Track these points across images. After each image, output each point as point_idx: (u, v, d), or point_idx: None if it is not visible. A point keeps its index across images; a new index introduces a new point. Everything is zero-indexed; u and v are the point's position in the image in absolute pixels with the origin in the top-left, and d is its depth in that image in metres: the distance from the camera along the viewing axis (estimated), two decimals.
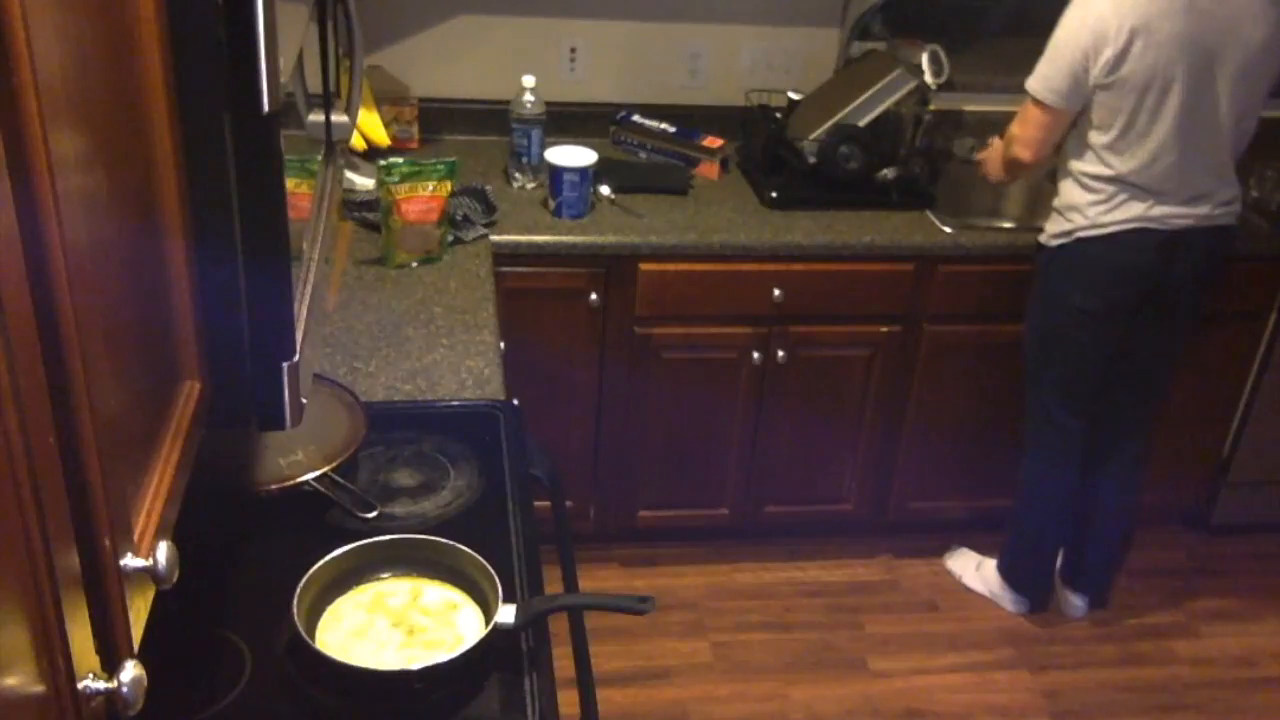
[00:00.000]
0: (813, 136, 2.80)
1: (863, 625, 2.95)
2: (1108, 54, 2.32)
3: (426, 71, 2.99)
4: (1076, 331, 2.61)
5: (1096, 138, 2.45)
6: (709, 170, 2.96)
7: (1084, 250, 2.52)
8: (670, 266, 2.67)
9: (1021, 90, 3.21)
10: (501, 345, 2.19)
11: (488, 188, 2.71)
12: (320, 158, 1.43)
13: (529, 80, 2.76)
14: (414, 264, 2.43)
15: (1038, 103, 2.44)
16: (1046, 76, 2.41)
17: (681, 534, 3.11)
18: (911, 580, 3.11)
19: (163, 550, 0.83)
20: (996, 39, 3.40)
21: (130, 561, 0.79)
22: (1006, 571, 2.99)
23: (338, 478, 1.68)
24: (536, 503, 1.81)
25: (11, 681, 0.62)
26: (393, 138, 2.86)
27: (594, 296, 2.67)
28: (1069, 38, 2.35)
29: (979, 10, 3.40)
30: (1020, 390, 2.98)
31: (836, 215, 2.78)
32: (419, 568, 1.54)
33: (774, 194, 2.80)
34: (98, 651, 0.74)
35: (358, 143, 2.76)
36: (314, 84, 1.39)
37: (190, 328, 0.98)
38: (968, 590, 3.07)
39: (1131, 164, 2.44)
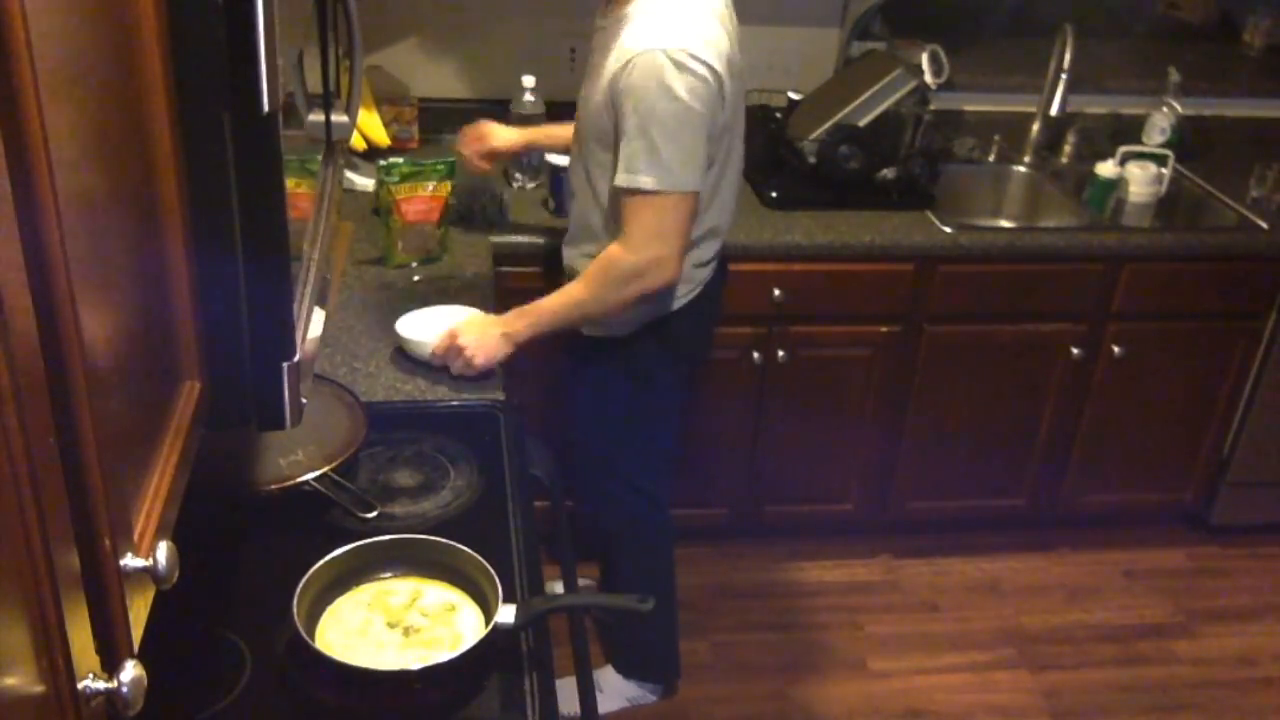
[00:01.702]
0: (813, 136, 2.80)
1: (863, 625, 2.95)
2: (723, 105, 1.96)
3: (426, 71, 2.99)
4: (671, 398, 2.34)
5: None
6: None
7: (679, 319, 2.21)
8: None
9: (1023, 90, 3.23)
10: None
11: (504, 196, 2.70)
12: (320, 158, 1.43)
13: (529, 80, 2.76)
14: (414, 264, 2.43)
15: (678, 195, 1.94)
16: (677, 163, 1.90)
17: (681, 534, 3.10)
18: (911, 580, 3.11)
19: (163, 550, 0.83)
20: (996, 39, 3.41)
21: (130, 561, 0.79)
22: (642, 666, 2.65)
23: (338, 478, 1.68)
24: (536, 503, 1.81)
25: (11, 681, 0.62)
26: (393, 138, 2.86)
27: None
28: (685, 112, 1.88)
29: (979, 10, 3.41)
30: (1021, 390, 2.98)
31: (836, 215, 2.78)
32: (419, 568, 1.54)
33: (774, 194, 2.80)
34: (98, 651, 0.74)
35: (358, 143, 2.76)
36: (314, 84, 1.39)
37: (190, 328, 0.98)
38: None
39: (723, 215, 2.18)
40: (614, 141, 1.96)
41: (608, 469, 2.40)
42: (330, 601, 1.49)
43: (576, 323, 2.15)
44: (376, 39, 2.93)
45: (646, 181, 1.92)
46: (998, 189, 3.22)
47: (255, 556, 1.63)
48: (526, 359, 2.21)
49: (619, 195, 1.98)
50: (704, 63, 1.88)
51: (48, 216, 0.65)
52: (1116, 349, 2.92)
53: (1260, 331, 3.00)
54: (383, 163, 2.42)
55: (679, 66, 1.86)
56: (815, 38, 3.11)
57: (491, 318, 2.11)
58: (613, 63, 1.93)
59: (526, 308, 2.11)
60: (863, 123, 2.79)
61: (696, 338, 2.36)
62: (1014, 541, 3.24)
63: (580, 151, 2.11)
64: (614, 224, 2.04)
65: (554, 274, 2.39)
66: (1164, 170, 3.08)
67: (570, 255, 2.26)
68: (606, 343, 2.23)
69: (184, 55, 0.90)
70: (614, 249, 2.01)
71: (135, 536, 0.82)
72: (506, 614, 1.44)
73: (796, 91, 3.00)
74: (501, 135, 2.48)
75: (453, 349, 2.02)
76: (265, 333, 1.04)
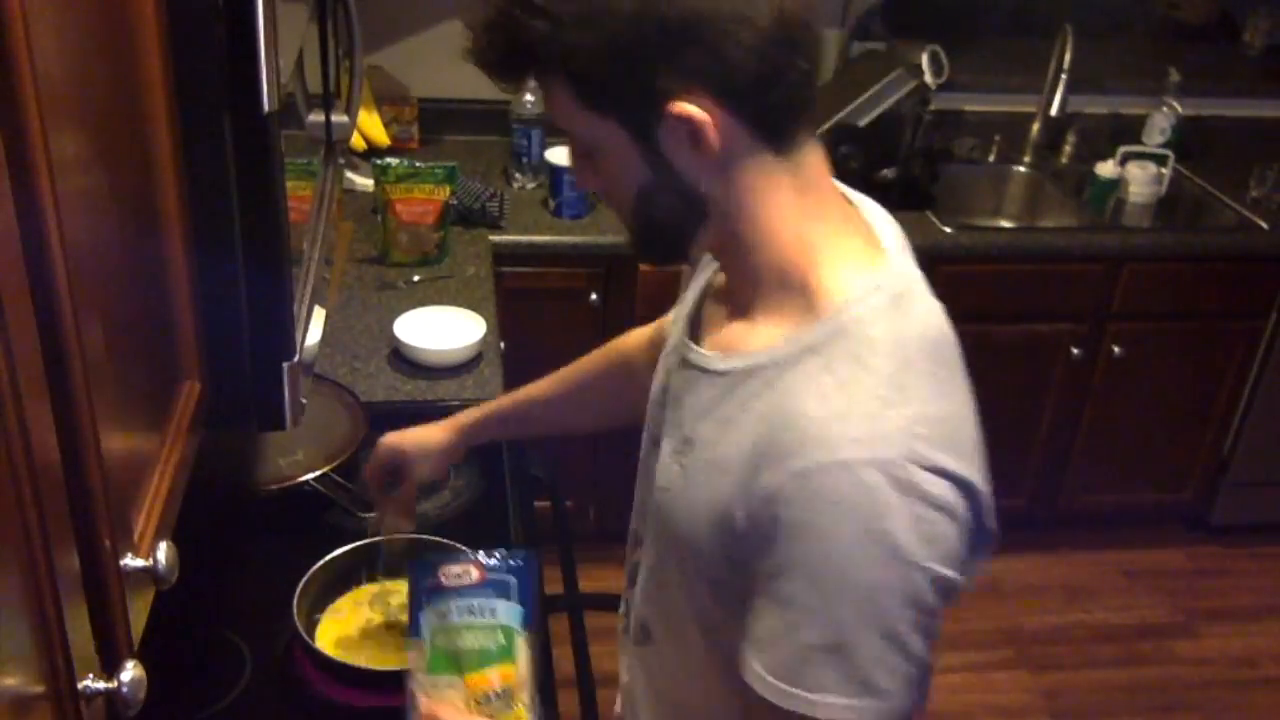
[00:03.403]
0: None
1: None
2: None
3: (426, 71, 2.98)
4: None
5: None
6: None
7: None
8: (670, 267, 2.66)
9: (1024, 90, 3.22)
10: (502, 345, 2.19)
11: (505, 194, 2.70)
12: (320, 158, 1.43)
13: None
14: (413, 263, 2.43)
15: None
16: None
17: None
18: None
19: (163, 550, 0.83)
20: (996, 39, 3.40)
21: (130, 561, 0.79)
22: None
23: (338, 478, 1.68)
24: (536, 503, 1.81)
25: (11, 681, 0.62)
26: (393, 138, 2.86)
27: (594, 296, 2.67)
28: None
29: (979, 10, 3.41)
30: (1021, 390, 2.98)
31: None
32: None
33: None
34: (98, 651, 0.74)
35: (358, 143, 2.76)
36: (314, 84, 1.39)
37: (190, 328, 0.98)
38: None
39: None
40: (737, 592, 0.97)
41: None
42: (330, 601, 1.49)
43: None
44: (376, 39, 2.93)
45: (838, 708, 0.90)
46: (998, 189, 3.21)
47: (255, 556, 1.63)
48: (527, 358, 2.19)
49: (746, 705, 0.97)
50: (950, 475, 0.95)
51: (48, 216, 0.65)
52: (1116, 349, 2.92)
53: (1260, 331, 3.00)
54: (379, 162, 2.42)
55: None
56: None
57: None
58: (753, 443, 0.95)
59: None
60: (863, 123, 2.79)
61: None
62: (1014, 541, 3.22)
63: (666, 571, 1.11)
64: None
65: (555, 274, 2.38)
66: (1164, 170, 3.08)
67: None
68: None
69: (184, 55, 0.90)
70: None
71: (135, 536, 0.82)
72: None
73: None
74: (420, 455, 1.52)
75: None
76: (265, 333, 1.04)
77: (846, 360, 0.92)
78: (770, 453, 0.91)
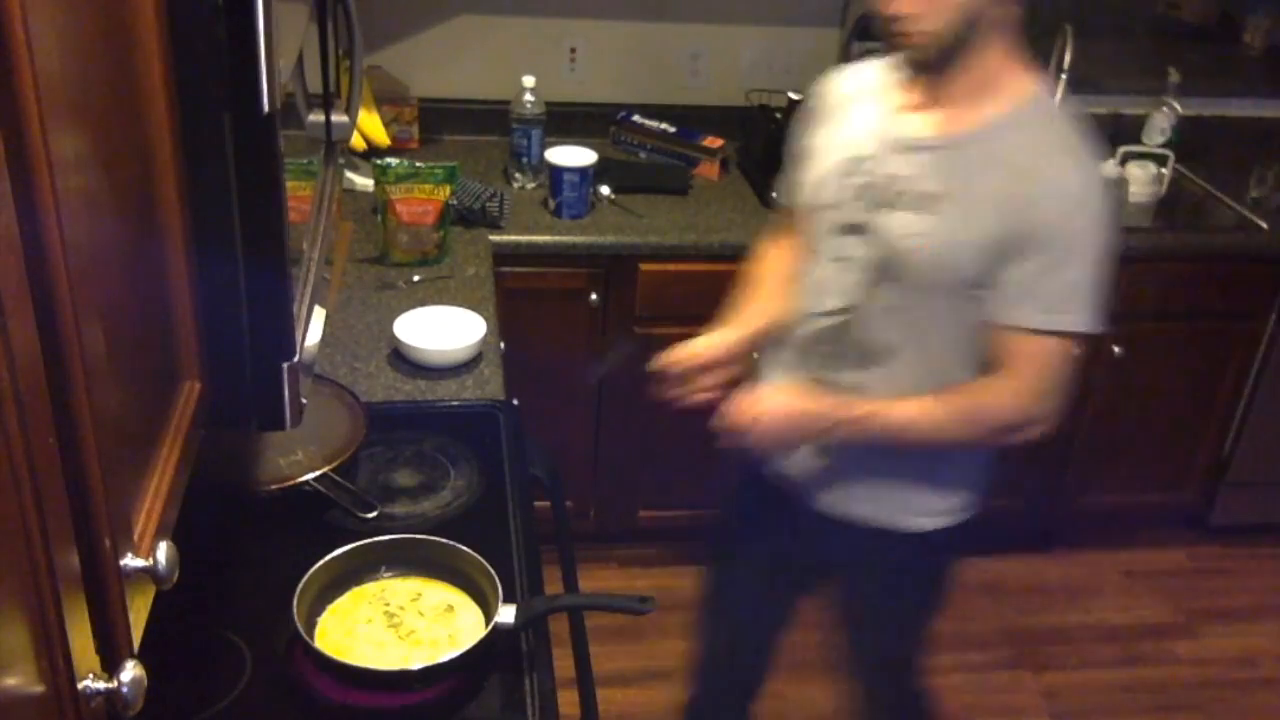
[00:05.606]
0: None
1: None
2: None
3: (426, 71, 2.99)
4: None
5: None
6: (709, 170, 2.96)
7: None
8: (670, 266, 2.67)
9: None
10: (502, 345, 2.19)
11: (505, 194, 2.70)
12: (320, 158, 1.43)
13: (529, 80, 2.76)
14: (413, 264, 2.43)
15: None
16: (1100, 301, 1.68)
17: (682, 534, 3.10)
18: None
19: (163, 550, 0.83)
20: None
21: (130, 561, 0.79)
22: None
23: (338, 478, 1.68)
24: (536, 503, 1.81)
25: (11, 681, 0.62)
26: (393, 138, 2.86)
27: (594, 296, 2.67)
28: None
29: None
30: None
31: None
32: (419, 568, 1.54)
33: (774, 194, 2.80)
34: (98, 651, 0.74)
35: (358, 143, 2.76)
36: (314, 84, 1.39)
37: (190, 328, 0.98)
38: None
39: None
40: (996, 278, 1.59)
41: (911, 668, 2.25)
42: (330, 601, 1.49)
43: (914, 445, 1.76)
44: (376, 39, 2.93)
45: (1083, 322, 1.66)
46: None
47: (255, 556, 1.63)
48: (527, 358, 2.21)
49: (1015, 338, 1.64)
50: None
51: (48, 216, 0.65)
52: (1116, 349, 2.92)
53: (1260, 332, 3.00)
54: (379, 162, 2.42)
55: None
56: (815, 38, 3.11)
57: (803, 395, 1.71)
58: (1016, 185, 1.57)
59: (855, 401, 1.68)
60: None
61: None
62: (1014, 541, 3.24)
63: (913, 300, 1.65)
64: (972, 368, 1.70)
65: (555, 274, 2.38)
66: (1164, 170, 3.08)
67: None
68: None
69: (184, 56, 0.90)
70: (1003, 396, 1.72)
71: (135, 536, 0.82)
72: (506, 614, 1.44)
73: (796, 91, 3.00)
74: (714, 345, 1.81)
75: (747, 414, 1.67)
76: (265, 333, 1.04)
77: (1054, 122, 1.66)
78: (1026, 181, 1.56)
